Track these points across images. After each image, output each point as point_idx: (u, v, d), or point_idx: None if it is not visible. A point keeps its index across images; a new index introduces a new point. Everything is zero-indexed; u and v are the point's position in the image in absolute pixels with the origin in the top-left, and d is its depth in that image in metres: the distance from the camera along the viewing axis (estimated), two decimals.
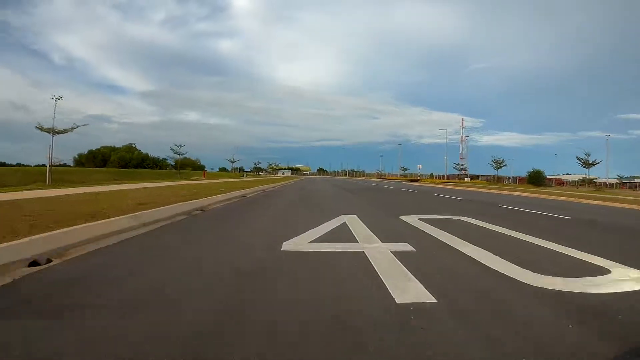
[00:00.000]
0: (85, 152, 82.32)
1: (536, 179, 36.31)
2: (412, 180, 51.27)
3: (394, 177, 75.38)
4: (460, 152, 73.74)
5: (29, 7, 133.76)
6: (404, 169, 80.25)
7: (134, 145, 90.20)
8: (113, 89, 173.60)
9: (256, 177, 48.01)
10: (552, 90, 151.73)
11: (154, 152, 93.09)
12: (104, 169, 58.47)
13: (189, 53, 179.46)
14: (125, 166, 71.44)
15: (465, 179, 58.76)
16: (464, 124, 79.26)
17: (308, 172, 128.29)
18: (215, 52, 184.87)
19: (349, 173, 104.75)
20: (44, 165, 21.09)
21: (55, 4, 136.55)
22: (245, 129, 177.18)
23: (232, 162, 53.61)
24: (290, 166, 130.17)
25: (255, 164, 75.82)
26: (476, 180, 52.78)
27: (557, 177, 69.19)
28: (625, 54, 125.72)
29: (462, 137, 75.67)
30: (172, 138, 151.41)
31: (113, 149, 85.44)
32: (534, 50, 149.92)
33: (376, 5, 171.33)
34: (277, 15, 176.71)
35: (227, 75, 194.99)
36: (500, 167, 48.51)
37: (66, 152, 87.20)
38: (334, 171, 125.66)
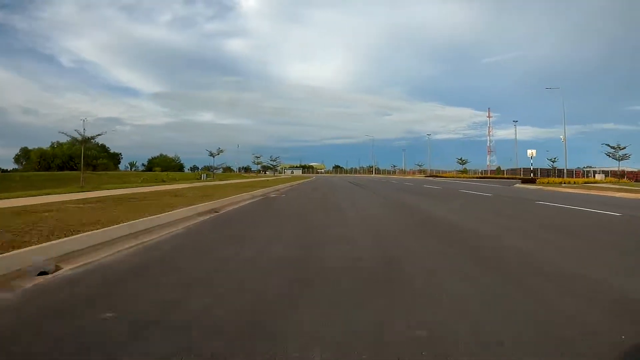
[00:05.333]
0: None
1: None
2: (525, 181, 26.86)
3: (455, 175, 50.78)
4: (488, 144, 70.22)
5: (38, 12, 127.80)
6: (462, 161, 55.29)
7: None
8: (125, 91, 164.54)
9: (216, 180, 25.69)
10: (566, 83, 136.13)
11: (166, 154, 76.11)
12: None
13: (201, 53, 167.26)
14: (48, 167, 51.56)
15: (597, 176, 33.99)
16: (477, 119, 66.95)
17: (322, 170, 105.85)
18: (229, 52, 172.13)
19: (375, 170, 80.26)
20: None
21: (63, 8, 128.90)
22: (260, 128, 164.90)
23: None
24: (302, 164, 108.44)
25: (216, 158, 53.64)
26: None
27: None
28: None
29: (489, 129, 71.61)
30: (185, 139, 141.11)
31: (57, 146, 65.57)
32: (547, 43, 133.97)
33: (388, 0, 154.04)
34: (290, 13, 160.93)
35: (242, 75, 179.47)
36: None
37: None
38: (351, 168, 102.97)
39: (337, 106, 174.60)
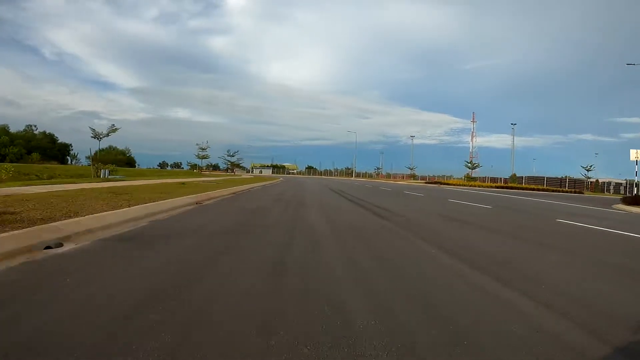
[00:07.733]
0: None
1: None
2: (631, 201, 16.76)
3: (466, 183, 41.79)
4: (471, 150, 68.13)
5: (22, 2, 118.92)
6: (472, 165, 47.09)
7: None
8: (103, 85, 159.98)
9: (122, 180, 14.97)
10: (544, 92, 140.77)
11: (142, 150, 65.19)
12: None
13: (181, 50, 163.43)
14: None
15: None
16: (454, 125, 66.48)
17: (295, 171, 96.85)
18: (208, 50, 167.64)
19: (355, 174, 71.29)
20: None
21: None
22: (235, 127, 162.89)
23: None
24: (273, 164, 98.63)
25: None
26: None
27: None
28: (618, 56, 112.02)
29: (472, 134, 68.97)
30: (162, 135, 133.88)
31: None
32: (527, 52, 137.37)
33: (369, 3, 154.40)
34: (271, 12, 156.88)
35: (221, 73, 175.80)
36: None
37: None
38: (325, 170, 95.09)
39: (313, 107, 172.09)
